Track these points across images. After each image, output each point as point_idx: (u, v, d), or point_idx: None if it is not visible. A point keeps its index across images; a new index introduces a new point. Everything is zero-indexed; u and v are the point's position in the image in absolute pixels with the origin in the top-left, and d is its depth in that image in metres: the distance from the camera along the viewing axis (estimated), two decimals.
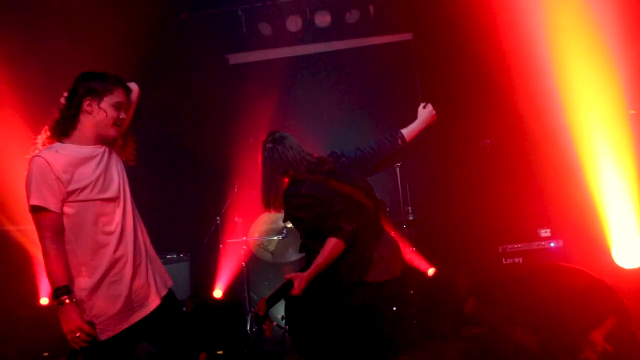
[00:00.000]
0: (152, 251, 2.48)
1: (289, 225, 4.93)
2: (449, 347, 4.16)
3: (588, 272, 3.18)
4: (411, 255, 4.61)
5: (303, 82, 6.18)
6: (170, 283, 2.52)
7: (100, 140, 2.34)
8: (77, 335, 2.08)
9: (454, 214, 5.41)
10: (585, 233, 4.05)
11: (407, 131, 2.90)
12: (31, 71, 4.59)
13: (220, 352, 4.34)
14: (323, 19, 5.99)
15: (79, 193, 2.21)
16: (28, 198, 2.17)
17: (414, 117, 2.99)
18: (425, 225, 5.12)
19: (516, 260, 4.24)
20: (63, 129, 2.30)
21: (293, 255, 5.00)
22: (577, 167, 4.12)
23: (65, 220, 2.20)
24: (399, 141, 2.86)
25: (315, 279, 2.50)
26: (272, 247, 5.09)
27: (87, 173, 2.25)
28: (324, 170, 2.68)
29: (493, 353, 3.54)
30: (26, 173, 2.20)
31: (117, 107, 2.34)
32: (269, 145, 2.71)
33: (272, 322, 2.79)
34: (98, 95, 2.29)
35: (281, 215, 4.38)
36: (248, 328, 4.72)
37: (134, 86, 2.52)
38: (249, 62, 6.43)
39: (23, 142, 2.44)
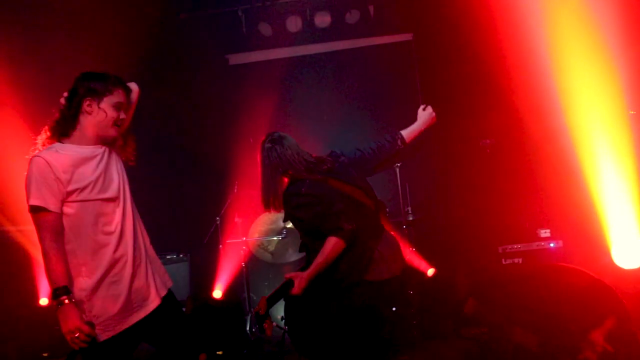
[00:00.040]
0: (151, 251, 2.48)
1: (289, 225, 4.93)
2: (449, 348, 4.16)
3: (588, 273, 3.18)
4: (411, 256, 4.61)
5: (303, 82, 6.18)
6: (169, 283, 2.52)
7: (100, 140, 2.34)
8: (76, 335, 2.07)
9: (453, 214, 5.41)
10: (585, 233, 4.05)
11: (407, 132, 2.92)
12: (31, 71, 4.59)
13: (220, 353, 4.34)
14: (323, 20, 5.99)
15: (79, 193, 2.21)
16: (28, 198, 2.17)
17: (414, 117, 3.00)
18: (425, 225, 5.12)
19: (516, 260, 4.24)
20: (63, 129, 2.30)
21: (293, 256, 5.00)
22: (576, 167, 4.12)
23: (65, 220, 2.20)
24: (399, 142, 2.88)
25: (315, 278, 2.51)
26: (272, 248, 5.09)
27: (87, 173, 2.25)
28: (322, 169, 2.69)
29: (493, 353, 3.54)
30: (26, 173, 2.20)
31: (117, 107, 2.34)
32: (268, 145, 2.72)
33: (273, 322, 2.80)
34: (98, 96, 2.30)
35: (281, 215, 4.38)
36: (248, 328, 4.72)
37: (134, 86, 2.52)
38: (249, 63, 6.43)
39: (23, 142, 2.45)
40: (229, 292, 5.00)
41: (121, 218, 2.31)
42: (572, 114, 4.18)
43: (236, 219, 5.02)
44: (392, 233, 2.86)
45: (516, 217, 4.58)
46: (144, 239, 2.44)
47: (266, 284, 5.39)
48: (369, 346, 2.65)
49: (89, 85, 2.29)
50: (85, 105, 2.29)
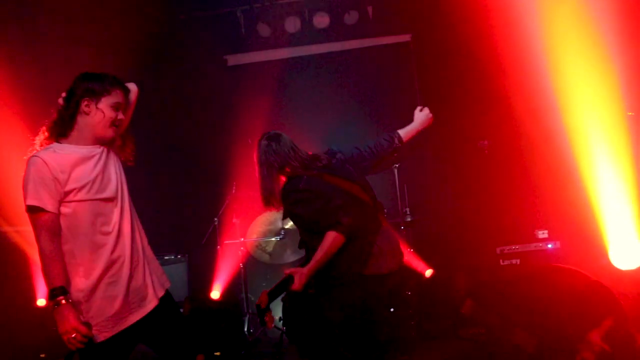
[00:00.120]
0: (149, 252, 2.47)
1: (287, 226, 4.93)
2: (447, 348, 4.16)
3: (585, 274, 3.18)
4: (409, 257, 4.61)
5: (301, 83, 6.18)
6: (167, 284, 2.52)
7: (98, 140, 2.34)
8: (73, 336, 2.07)
9: (451, 215, 5.41)
10: (582, 234, 4.05)
11: (404, 132, 2.96)
12: (29, 71, 4.58)
13: (218, 354, 4.33)
14: (321, 20, 6.00)
15: (77, 193, 2.20)
16: (25, 198, 2.16)
17: (411, 118, 3.03)
18: (423, 226, 5.12)
19: (514, 261, 4.25)
20: (61, 130, 2.30)
21: (291, 257, 5.00)
22: (574, 168, 4.13)
23: (63, 221, 2.20)
24: (396, 140, 2.91)
25: (315, 274, 2.52)
26: (270, 248, 5.08)
27: (85, 173, 2.24)
28: (318, 166, 2.72)
29: (491, 354, 3.54)
30: (23, 173, 2.19)
31: (115, 107, 2.33)
32: (264, 142, 2.76)
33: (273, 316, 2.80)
34: (96, 96, 2.29)
35: (279, 216, 4.38)
36: (246, 329, 4.72)
37: (132, 86, 2.51)
38: (248, 63, 6.42)
39: (21, 142, 2.44)
40: (227, 292, 5.00)
41: (119, 218, 2.31)
42: (570, 115, 4.19)
43: (234, 220, 5.03)
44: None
45: (514, 218, 4.58)
46: (142, 240, 2.43)
47: (264, 284, 5.38)
48: (368, 340, 2.66)
49: (87, 86, 2.29)
50: (83, 106, 2.28)
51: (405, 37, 6.17)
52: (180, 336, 2.45)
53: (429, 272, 4.59)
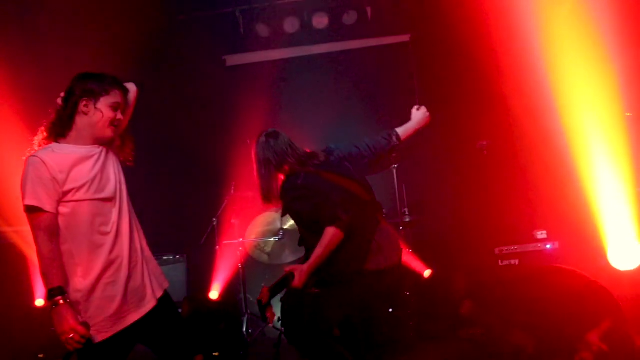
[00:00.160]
0: (148, 252, 2.47)
1: (286, 227, 4.93)
2: (446, 349, 4.16)
3: (584, 274, 3.19)
4: (408, 257, 4.61)
5: (300, 83, 6.17)
6: (166, 284, 2.51)
7: (97, 140, 2.33)
8: (71, 336, 2.06)
9: (450, 215, 5.41)
10: (581, 235, 4.06)
11: (402, 130, 3.00)
12: (28, 72, 4.58)
13: (217, 354, 4.33)
14: (320, 21, 5.99)
15: (75, 193, 2.20)
16: (23, 198, 2.15)
17: (410, 118, 3.05)
18: (421, 226, 5.12)
19: (512, 262, 4.25)
20: (60, 130, 2.29)
21: (290, 257, 4.99)
22: (573, 169, 4.13)
23: (61, 221, 2.19)
24: (394, 138, 2.95)
25: (315, 272, 2.53)
26: (268, 249, 5.08)
27: (84, 173, 2.24)
28: (316, 163, 2.75)
29: (490, 354, 3.54)
30: (22, 173, 2.19)
31: (114, 107, 2.33)
32: (262, 139, 2.81)
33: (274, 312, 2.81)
34: (94, 96, 2.28)
35: (278, 216, 4.38)
36: (244, 330, 4.71)
37: (131, 86, 2.51)
38: (247, 64, 6.42)
39: (20, 142, 2.44)
40: (225, 293, 5.00)
41: (117, 218, 2.30)
42: (568, 116, 4.19)
43: (233, 220, 5.02)
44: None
45: (513, 218, 4.59)
46: (141, 240, 2.43)
47: (263, 285, 5.37)
48: (367, 341, 2.67)
49: (86, 86, 2.28)
50: (82, 106, 2.28)
51: (404, 38, 6.17)
52: (179, 337, 2.45)
53: (427, 273, 4.59)
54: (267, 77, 6.07)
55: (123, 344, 2.29)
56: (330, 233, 2.53)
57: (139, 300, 2.32)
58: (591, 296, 3.05)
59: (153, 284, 2.40)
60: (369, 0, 5.97)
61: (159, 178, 5.68)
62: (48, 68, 4.50)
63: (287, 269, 2.58)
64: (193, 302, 4.60)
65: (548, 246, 4.22)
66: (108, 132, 2.33)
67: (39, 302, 4.59)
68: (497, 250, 4.29)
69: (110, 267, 2.25)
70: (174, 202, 5.81)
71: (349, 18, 5.99)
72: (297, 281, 2.51)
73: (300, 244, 2.88)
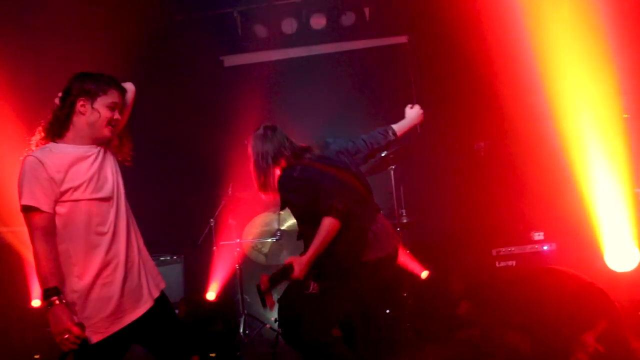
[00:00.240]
0: (145, 253, 2.46)
1: (283, 227, 4.94)
2: (443, 350, 4.16)
3: (580, 276, 3.20)
4: (405, 258, 4.61)
5: (298, 84, 6.16)
6: (162, 285, 2.51)
7: (95, 140, 2.33)
8: (66, 337, 2.05)
9: (447, 216, 5.41)
10: (578, 236, 4.07)
11: (397, 127, 3.09)
12: (27, 72, 4.58)
13: (213, 355, 4.32)
14: (318, 22, 6.00)
15: (72, 192, 2.19)
16: (20, 198, 2.15)
17: (404, 116, 3.15)
18: (419, 228, 5.12)
19: (509, 263, 4.26)
20: (57, 130, 2.29)
21: (287, 257, 4.97)
22: (570, 170, 4.14)
23: (58, 220, 2.19)
24: (390, 133, 3.04)
25: (313, 267, 2.54)
26: (265, 249, 5.08)
27: (81, 172, 2.23)
28: (311, 155, 2.78)
29: (486, 355, 3.55)
30: (19, 173, 2.18)
31: (111, 107, 2.32)
32: (260, 131, 2.85)
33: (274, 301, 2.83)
34: (91, 96, 2.28)
35: (275, 217, 4.39)
36: (241, 330, 4.71)
37: (129, 86, 2.51)
38: (244, 64, 6.42)
39: (17, 142, 2.44)
40: (222, 294, 4.99)
41: (114, 218, 2.30)
42: (566, 118, 4.20)
43: (230, 221, 5.02)
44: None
45: (510, 219, 4.59)
46: (138, 240, 2.42)
47: (262, 274, 5.36)
48: (365, 340, 2.69)
49: (83, 86, 2.28)
50: (79, 106, 2.27)
51: (402, 39, 6.18)
52: (176, 337, 2.44)
53: (424, 274, 4.59)
54: (265, 77, 6.07)
55: (119, 344, 2.28)
56: (328, 223, 2.54)
57: (136, 300, 2.32)
58: (587, 297, 3.05)
59: (150, 284, 2.40)
60: (366, 1, 5.98)
61: (156, 178, 5.67)
62: (46, 68, 4.50)
63: (287, 261, 2.60)
64: (190, 303, 4.59)
65: (545, 247, 4.22)
66: (105, 132, 2.33)
67: (36, 303, 4.57)
68: (494, 252, 4.30)
69: (107, 267, 2.24)
70: (171, 203, 5.81)
71: (347, 19, 6.00)
72: (297, 272, 2.53)
73: (299, 238, 2.90)
